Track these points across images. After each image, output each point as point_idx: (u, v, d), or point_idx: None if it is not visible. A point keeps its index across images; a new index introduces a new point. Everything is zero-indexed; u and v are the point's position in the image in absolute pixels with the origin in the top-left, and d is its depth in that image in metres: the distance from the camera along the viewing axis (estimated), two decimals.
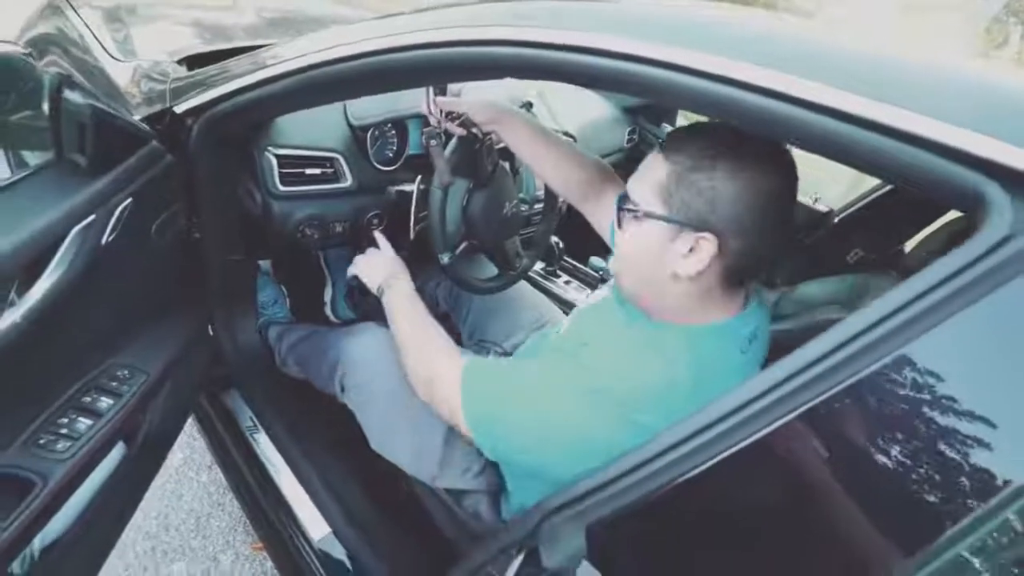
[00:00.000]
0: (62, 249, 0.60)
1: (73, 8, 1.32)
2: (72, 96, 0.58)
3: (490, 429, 0.63)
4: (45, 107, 0.63)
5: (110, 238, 0.67)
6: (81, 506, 0.72)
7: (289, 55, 0.74)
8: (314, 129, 0.98)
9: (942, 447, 0.33)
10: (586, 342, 0.61)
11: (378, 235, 0.99)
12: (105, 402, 0.68)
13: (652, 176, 0.56)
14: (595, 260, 1.55)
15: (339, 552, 0.97)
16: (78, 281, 0.62)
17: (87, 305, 0.66)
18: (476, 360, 0.70)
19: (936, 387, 0.34)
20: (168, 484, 1.29)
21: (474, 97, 0.89)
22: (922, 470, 0.34)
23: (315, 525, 0.99)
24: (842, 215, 1.64)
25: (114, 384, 0.72)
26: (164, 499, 1.26)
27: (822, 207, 1.72)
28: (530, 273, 1.43)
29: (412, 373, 0.76)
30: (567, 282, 1.46)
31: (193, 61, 1.08)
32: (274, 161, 0.92)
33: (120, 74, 1.03)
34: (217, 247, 0.99)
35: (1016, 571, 0.31)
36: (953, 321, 0.34)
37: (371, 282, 0.91)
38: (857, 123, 0.39)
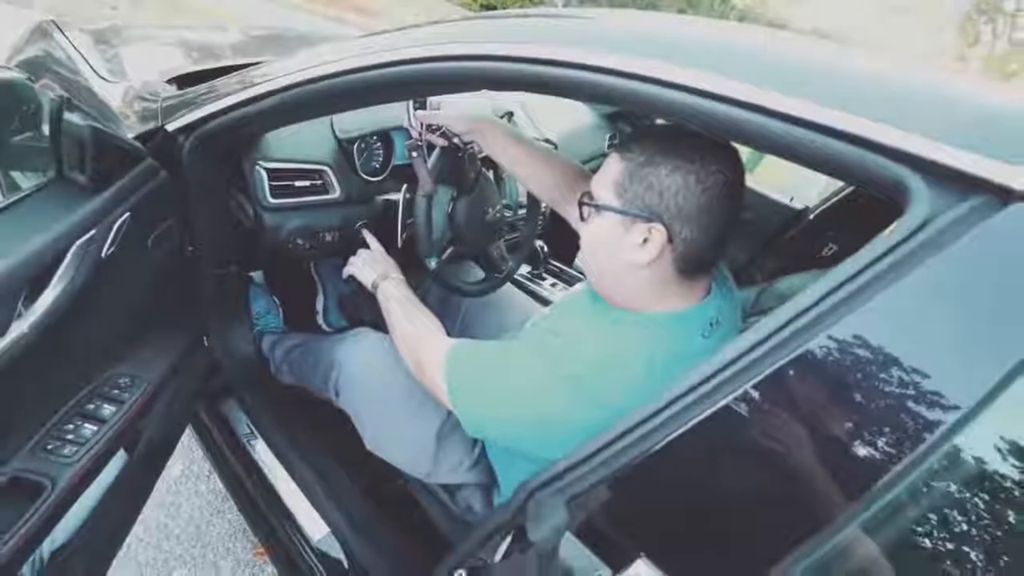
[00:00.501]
0: (65, 263, 0.63)
1: (61, 31, 1.34)
2: (72, 117, 0.61)
3: (469, 405, 0.67)
4: (45, 128, 0.67)
5: (109, 252, 0.70)
6: (86, 512, 0.75)
7: (277, 73, 0.78)
8: (302, 143, 1.01)
9: (871, 407, 0.37)
10: (557, 331, 0.65)
11: (368, 235, 1.04)
12: (108, 409, 0.71)
13: (609, 173, 0.61)
14: (579, 262, 1.60)
15: (338, 551, 0.99)
16: (80, 293, 0.65)
17: (89, 316, 0.69)
18: (461, 342, 0.74)
19: (867, 356, 0.38)
20: (168, 495, 1.31)
21: (452, 110, 0.94)
22: (854, 427, 0.38)
23: (314, 526, 1.02)
24: (816, 212, 1.71)
25: (116, 392, 0.74)
26: (164, 509, 1.28)
27: (798, 205, 1.78)
28: (517, 276, 1.47)
29: (407, 359, 0.81)
30: (553, 284, 1.50)
31: (183, 80, 1.12)
32: (264, 175, 0.95)
33: (111, 94, 1.06)
34: (210, 259, 1.02)
35: (940, 507, 0.35)
36: (883, 296, 0.38)
37: (365, 279, 0.96)
38: (803, 125, 0.43)
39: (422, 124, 0.92)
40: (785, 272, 1.30)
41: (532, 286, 1.47)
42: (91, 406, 0.71)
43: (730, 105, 0.45)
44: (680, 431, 0.43)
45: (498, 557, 0.57)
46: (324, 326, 1.44)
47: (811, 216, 1.75)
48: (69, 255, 0.63)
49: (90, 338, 0.72)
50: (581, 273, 1.58)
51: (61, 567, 0.68)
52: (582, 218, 0.65)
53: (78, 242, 0.65)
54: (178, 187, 0.88)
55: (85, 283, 0.66)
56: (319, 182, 1.02)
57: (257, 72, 0.85)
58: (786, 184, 1.95)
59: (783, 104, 0.44)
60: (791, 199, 1.82)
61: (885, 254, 0.39)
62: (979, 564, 0.35)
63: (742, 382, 0.41)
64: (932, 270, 0.37)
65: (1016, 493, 0.34)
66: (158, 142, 0.88)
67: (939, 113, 0.42)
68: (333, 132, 1.05)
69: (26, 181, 0.91)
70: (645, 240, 0.58)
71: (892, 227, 0.40)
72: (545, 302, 1.36)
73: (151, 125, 0.89)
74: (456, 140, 0.94)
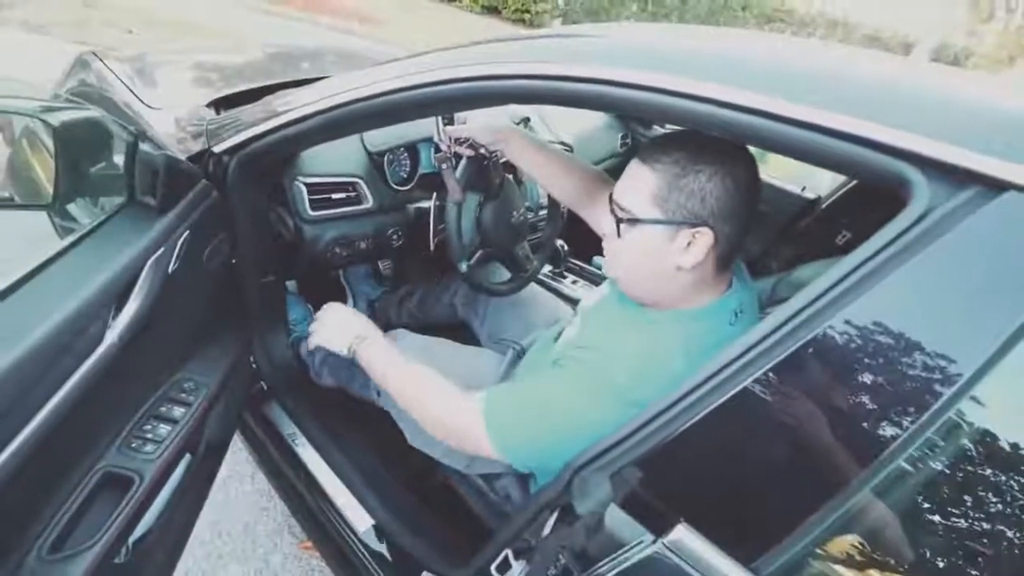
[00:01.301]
0: (141, 279, 0.70)
1: (103, 62, 1.43)
2: (145, 147, 0.68)
3: (523, 453, 0.69)
4: (115, 158, 0.74)
5: (175, 267, 0.77)
6: (161, 506, 0.82)
7: (312, 98, 0.84)
8: (336, 158, 1.08)
9: (880, 381, 0.42)
10: (594, 346, 0.68)
11: (332, 305, 0.94)
12: (178, 411, 0.78)
13: (642, 186, 0.64)
14: (598, 259, 1.64)
15: (383, 542, 1.05)
16: (154, 305, 0.72)
17: (160, 326, 0.76)
18: (492, 392, 0.72)
19: (875, 337, 0.43)
20: (217, 495, 1.38)
21: (478, 123, 0.99)
22: (866, 400, 0.42)
23: (359, 519, 1.08)
24: (828, 201, 1.74)
25: (183, 395, 0.81)
26: (215, 508, 1.35)
27: (810, 195, 1.81)
28: (540, 276, 1.53)
29: (421, 417, 0.78)
30: (574, 281, 1.55)
31: (221, 103, 1.19)
32: (304, 189, 1.02)
33: (158, 121, 1.14)
34: (253, 270, 1.09)
35: (945, 469, 0.40)
36: (889, 281, 0.43)
37: (338, 345, 0.87)
38: (813, 129, 0.48)
39: (451, 138, 0.97)
40: (801, 261, 1.34)
41: (554, 284, 1.52)
42: (163, 408, 0.78)
43: (748, 114, 0.50)
44: (712, 408, 0.48)
45: (545, 533, 0.62)
46: None
47: (823, 205, 1.78)
48: (144, 272, 0.70)
49: (161, 346, 0.79)
50: (599, 269, 1.62)
51: (144, 555, 0.75)
52: (618, 233, 0.67)
53: (151, 260, 0.71)
54: (225, 203, 0.95)
55: (157, 296, 0.72)
56: (353, 194, 1.09)
57: (295, 96, 0.91)
58: (797, 174, 1.97)
59: (794, 111, 0.49)
60: (803, 189, 1.85)
61: (890, 243, 0.44)
62: (985, 522, 0.40)
63: (764, 364, 0.46)
64: (933, 255, 0.42)
65: (1009, 450, 0.38)
66: (206, 163, 0.95)
67: (936, 112, 0.46)
68: (364, 146, 1.11)
69: (88, 207, 0.99)
70: (689, 244, 0.62)
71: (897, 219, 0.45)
72: (567, 298, 1.41)
73: (199, 147, 0.96)
74: (483, 150, 0.99)
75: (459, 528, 1.05)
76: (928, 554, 0.41)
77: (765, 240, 1.86)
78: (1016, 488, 0.39)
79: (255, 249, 1.07)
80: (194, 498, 0.91)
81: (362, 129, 1.02)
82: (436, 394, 0.78)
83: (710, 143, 0.62)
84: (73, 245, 0.65)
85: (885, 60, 0.66)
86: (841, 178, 1.79)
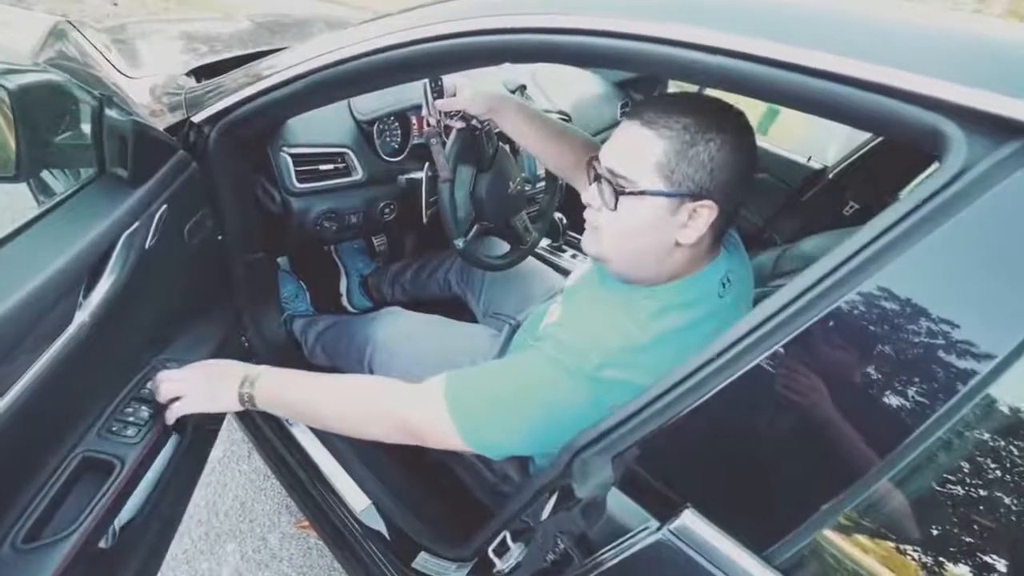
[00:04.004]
0: (114, 255, 0.66)
1: (80, 31, 1.36)
2: (113, 114, 0.63)
3: (495, 443, 0.62)
4: (84, 127, 0.69)
5: (152, 242, 0.73)
6: (147, 490, 0.79)
7: (295, 60, 0.79)
8: (323, 127, 1.03)
9: (908, 356, 0.38)
10: (573, 327, 0.63)
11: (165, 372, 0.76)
12: None
13: (646, 153, 0.57)
14: (589, 247, 1.60)
15: (380, 521, 1.04)
16: (128, 283, 0.68)
17: (138, 305, 0.72)
18: (454, 377, 0.65)
19: (902, 310, 0.39)
20: (213, 475, 1.37)
21: (468, 92, 0.91)
22: (892, 378, 0.39)
23: (356, 499, 1.06)
24: (835, 171, 1.68)
25: None
26: (212, 488, 1.34)
27: (816, 165, 1.75)
28: (538, 249, 1.48)
29: (365, 421, 0.67)
30: (573, 255, 1.51)
31: (202, 72, 1.13)
32: (290, 160, 0.97)
33: (135, 90, 1.08)
34: (240, 246, 1.04)
35: (975, 455, 0.36)
36: (917, 249, 0.39)
37: (225, 399, 0.72)
38: (834, 79, 0.43)
39: (440, 111, 0.91)
40: (805, 233, 1.30)
41: (552, 258, 1.48)
42: (145, 390, 0.75)
43: (764, 65, 0.45)
44: (721, 387, 0.44)
45: (544, 515, 0.60)
46: (349, 307, 1.48)
47: (830, 176, 1.73)
48: (118, 247, 0.66)
49: (139, 326, 0.75)
50: None
51: (133, 539, 0.73)
52: (615, 205, 0.59)
53: (124, 234, 0.67)
54: (206, 177, 0.90)
55: (132, 273, 0.68)
56: (342, 165, 1.04)
57: (276, 60, 0.85)
58: (802, 143, 1.91)
59: (813, 59, 0.44)
60: (809, 159, 1.80)
61: (921, 204, 0.40)
62: (1013, 510, 0.37)
63: (778, 339, 0.42)
64: (970, 218, 0.38)
65: None
66: (185, 133, 0.90)
67: (971, 57, 0.41)
68: (352, 115, 1.06)
69: (66, 178, 0.94)
70: (690, 217, 0.58)
71: (929, 173, 0.41)
72: (566, 273, 1.37)
73: (177, 117, 0.91)
74: (474, 121, 0.94)
75: (456, 508, 1.03)
76: (955, 545, 0.38)
77: (769, 211, 1.81)
78: None
79: (241, 225, 1.03)
80: (184, 480, 0.89)
81: (350, 94, 0.96)
82: (376, 391, 0.69)
83: (713, 109, 0.57)
84: (37, 219, 0.60)
85: (908, 7, 0.60)
86: (849, 147, 1.73)
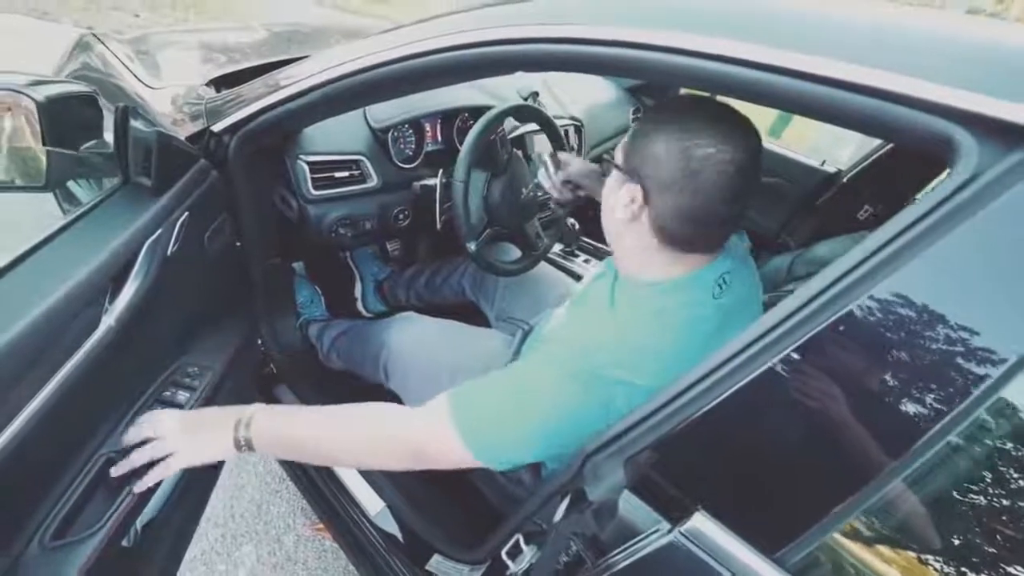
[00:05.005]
0: (138, 261, 0.68)
1: (103, 43, 1.40)
2: (137, 124, 0.65)
3: (507, 454, 0.62)
4: (107, 137, 0.71)
5: (174, 249, 0.75)
6: (167, 491, 0.81)
7: (314, 70, 0.81)
8: (339, 135, 1.05)
9: (918, 362, 0.39)
10: (571, 329, 0.66)
11: (160, 414, 0.71)
12: (183, 395, 0.77)
13: (626, 136, 0.64)
14: None
15: (393, 524, 1.05)
16: (152, 288, 0.70)
17: (161, 310, 0.74)
18: (457, 393, 0.64)
19: (913, 315, 0.39)
20: (229, 478, 1.39)
21: (577, 165, 0.99)
22: (902, 383, 0.39)
23: (371, 502, 1.07)
24: (850, 175, 1.67)
25: (187, 380, 0.80)
26: (228, 491, 1.36)
27: (830, 168, 1.74)
28: (550, 255, 1.49)
29: (370, 449, 0.66)
30: (586, 260, 1.52)
31: (221, 81, 1.16)
32: (306, 168, 0.99)
33: (157, 100, 1.11)
34: (257, 252, 1.07)
35: (986, 460, 0.36)
36: (928, 254, 0.39)
37: (220, 446, 0.68)
38: (845, 87, 0.44)
39: (560, 182, 0.98)
40: (820, 238, 1.29)
41: (565, 263, 1.49)
42: (167, 393, 0.77)
43: (776, 74, 0.45)
44: (733, 391, 0.45)
45: (557, 518, 0.60)
46: (364, 311, 1.50)
47: (844, 179, 1.71)
48: (141, 254, 0.68)
49: (162, 331, 0.78)
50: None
51: (153, 539, 0.75)
52: (604, 175, 0.68)
53: (148, 241, 0.69)
54: (226, 184, 0.93)
55: (155, 280, 0.71)
56: (357, 172, 1.06)
57: (296, 69, 0.88)
58: (817, 147, 1.90)
59: (823, 67, 0.44)
60: (823, 163, 1.78)
61: (932, 210, 0.40)
62: None
63: (789, 343, 0.43)
64: (981, 224, 0.38)
65: None
66: (206, 143, 0.93)
67: (982, 64, 0.42)
68: (367, 123, 1.08)
69: (89, 188, 0.97)
70: (632, 200, 0.61)
71: (940, 180, 0.41)
72: (579, 278, 1.38)
73: (199, 127, 0.94)
74: (580, 192, 1.00)
75: (469, 511, 1.04)
76: (967, 549, 0.38)
77: (783, 216, 1.80)
78: None
79: (259, 231, 1.05)
80: (203, 481, 0.91)
81: (366, 103, 0.98)
82: (380, 417, 0.67)
83: (703, 115, 0.58)
84: (65, 228, 0.63)
85: (920, 13, 0.61)
86: (863, 150, 1.72)
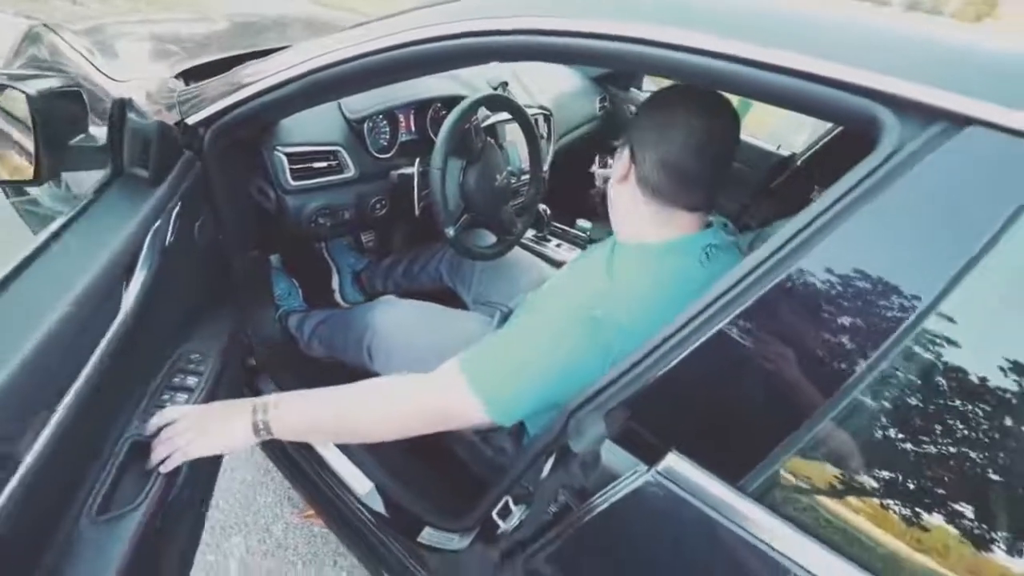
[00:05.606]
0: (143, 251, 0.70)
1: (58, 35, 1.36)
2: (135, 116, 0.67)
3: (518, 407, 0.66)
4: (92, 129, 0.72)
5: (171, 240, 0.77)
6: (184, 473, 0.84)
7: (290, 62, 0.83)
8: (315, 126, 1.06)
9: (846, 314, 0.45)
10: (565, 283, 0.75)
11: (173, 410, 0.73)
12: (192, 380, 0.80)
13: None
14: (581, 222, 1.66)
15: (383, 502, 1.09)
16: (156, 278, 0.72)
17: (164, 299, 0.76)
18: (466, 356, 0.68)
19: (842, 273, 0.46)
20: None
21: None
22: (838, 330, 0.45)
23: (359, 483, 1.10)
24: (803, 158, 1.77)
25: (192, 366, 0.83)
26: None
27: (785, 153, 1.84)
28: (524, 240, 1.54)
29: (387, 420, 0.70)
30: (558, 244, 1.57)
31: (190, 74, 1.15)
32: (285, 159, 1.00)
33: (122, 93, 1.10)
34: (236, 245, 1.08)
35: (909, 388, 0.43)
36: (855, 219, 0.46)
37: (240, 434, 0.70)
38: (792, 74, 0.50)
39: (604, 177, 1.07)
40: (777, 217, 1.38)
41: (538, 247, 1.54)
42: (176, 379, 0.79)
43: (726, 61, 0.51)
44: (696, 346, 0.51)
45: (544, 475, 0.66)
46: (342, 302, 1.51)
47: (798, 163, 1.81)
48: (146, 244, 0.70)
49: (166, 319, 0.80)
50: (582, 232, 1.65)
51: (177, 517, 0.77)
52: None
53: (150, 232, 0.71)
54: (204, 177, 0.94)
55: (158, 270, 0.73)
56: (334, 163, 1.08)
57: (271, 61, 0.89)
58: (773, 133, 2.00)
59: (771, 56, 0.50)
60: (778, 147, 1.88)
61: (861, 181, 0.46)
62: (942, 437, 0.43)
63: (741, 303, 0.49)
64: (899, 191, 0.44)
65: (968, 368, 0.42)
66: (180, 135, 0.93)
67: (905, 53, 0.48)
68: (342, 114, 1.09)
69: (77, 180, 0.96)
70: (623, 163, 0.73)
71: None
72: (552, 261, 1.43)
73: (173, 119, 0.94)
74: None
75: (456, 483, 1.08)
76: (890, 467, 0.45)
77: (744, 198, 1.89)
78: (970, 404, 0.42)
79: (237, 223, 1.06)
80: (210, 466, 0.93)
81: (342, 94, 1.00)
82: (393, 390, 0.72)
83: (688, 97, 0.68)
84: (72, 220, 0.65)
85: (860, 8, 0.67)
86: (815, 135, 1.83)
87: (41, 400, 0.54)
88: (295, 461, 1.19)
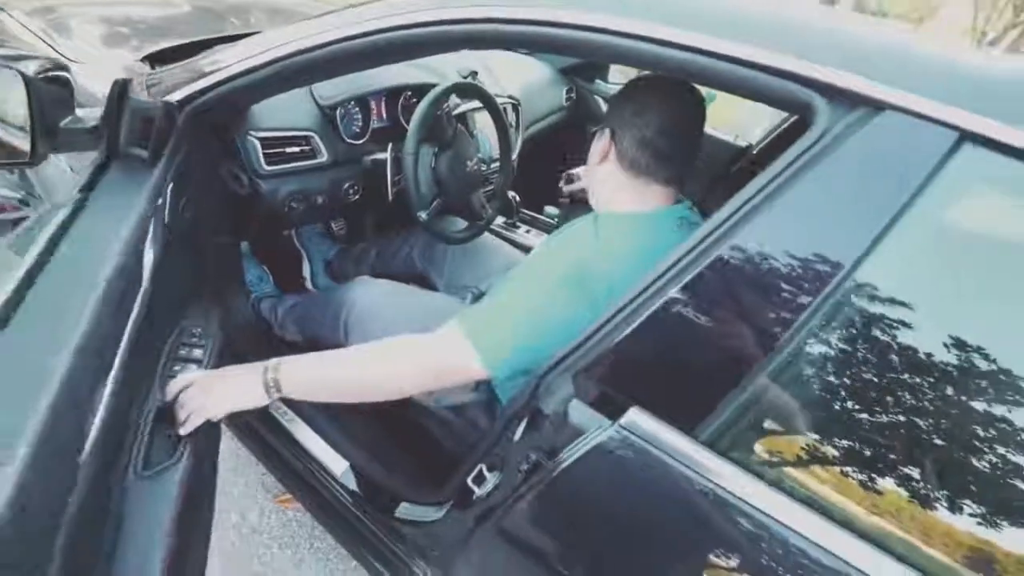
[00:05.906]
0: (150, 228, 0.73)
1: (9, 15, 1.32)
2: (136, 96, 0.68)
3: (513, 359, 0.71)
4: (79, 112, 0.73)
5: (168, 218, 0.78)
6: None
7: (264, 47, 0.84)
8: (288, 112, 1.07)
9: (779, 279, 0.51)
10: (548, 246, 0.80)
11: (186, 377, 0.77)
12: (198, 352, 0.83)
13: None
14: (549, 208, 1.71)
15: (358, 481, 1.11)
16: (162, 254, 0.75)
17: (167, 274, 0.78)
18: (464, 314, 0.74)
19: (778, 238, 0.51)
20: None
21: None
22: (771, 294, 0.51)
23: (335, 463, 1.13)
24: (758, 148, 1.86)
25: (195, 339, 0.85)
26: None
27: (742, 143, 1.93)
28: (494, 226, 1.58)
29: (390, 378, 0.75)
30: (527, 231, 1.62)
31: (155, 58, 1.14)
32: (258, 144, 1.01)
33: (83, 76, 1.08)
34: (208, 230, 1.08)
35: (837, 341, 0.49)
36: (787, 195, 0.51)
37: (252, 394, 0.75)
38: (741, 64, 0.55)
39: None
40: None
41: (508, 234, 1.58)
42: (183, 351, 0.82)
43: (682, 51, 0.56)
44: (652, 311, 0.56)
45: (516, 438, 0.70)
46: (313, 290, 1.52)
47: (754, 152, 1.91)
48: (152, 221, 0.73)
49: (170, 293, 0.82)
50: (551, 218, 1.69)
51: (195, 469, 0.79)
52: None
53: (155, 208, 0.73)
54: None
55: (162, 246, 0.75)
56: (307, 148, 1.09)
57: (244, 45, 0.90)
58: (732, 124, 2.09)
59: (727, 48, 0.55)
60: (736, 137, 1.97)
61: (794, 160, 0.52)
62: (865, 383, 0.50)
63: (691, 270, 0.54)
64: (825, 169, 0.50)
65: (885, 320, 0.48)
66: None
67: (841, 46, 0.54)
68: (315, 100, 1.10)
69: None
70: (602, 144, 0.81)
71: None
72: (521, 247, 1.48)
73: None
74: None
75: (429, 459, 1.12)
76: (816, 412, 0.51)
77: (702, 185, 1.98)
78: (887, 353, 0.49)
79: (209, 208, 1.06)
80: (212, 441, 0.94)
81: (314, 80, 1.02)
82: (398, 348, 0.77)
83: (660, 86, 0.79)
84: (82, 204, 0.69)
85: (807, 6, 0.73)
86: (770, 126, 1.92)
87: (98, 379, 0.59)
88: (270, 445, 1.21)
